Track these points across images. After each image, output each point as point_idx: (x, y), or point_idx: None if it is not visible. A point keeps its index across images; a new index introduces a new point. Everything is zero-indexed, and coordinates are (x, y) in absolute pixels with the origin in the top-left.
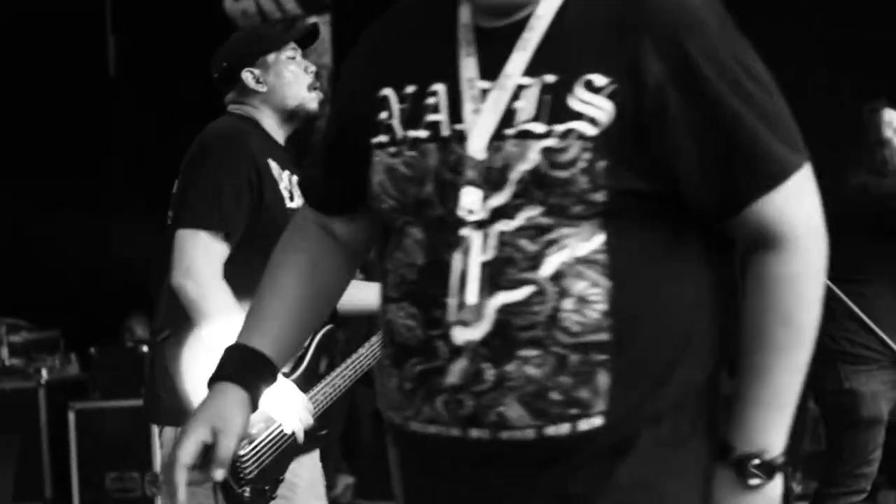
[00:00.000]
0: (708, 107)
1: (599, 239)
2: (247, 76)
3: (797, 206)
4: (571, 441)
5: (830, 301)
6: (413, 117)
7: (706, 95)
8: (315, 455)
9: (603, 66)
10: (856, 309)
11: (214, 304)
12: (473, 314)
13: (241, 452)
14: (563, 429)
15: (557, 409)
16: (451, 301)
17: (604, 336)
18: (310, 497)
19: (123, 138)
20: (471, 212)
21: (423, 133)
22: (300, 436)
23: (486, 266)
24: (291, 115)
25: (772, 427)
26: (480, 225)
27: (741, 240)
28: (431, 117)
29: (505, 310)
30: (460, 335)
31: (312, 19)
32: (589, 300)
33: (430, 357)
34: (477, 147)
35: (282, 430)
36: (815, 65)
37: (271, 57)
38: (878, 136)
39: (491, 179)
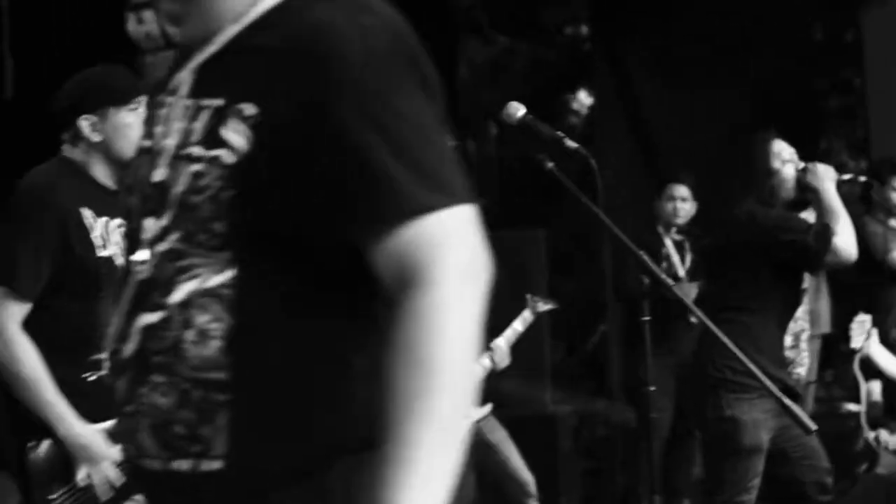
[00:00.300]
0: (339, 144)
1: (229, 274)
2: (83, 123)
3: (431, 245)
4: (194, 479)
5: (708, 332)
6: (146, 129)
7: (340, 133)
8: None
9: (256, 95)
10: (724, 338)
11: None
12: (123, 332)
13: (51, 497)
14: (185, 465)
15: (181, 443)
16: (117, 318)
17: (221, 375)
18: None
19: (20, 161)
20: (145, 230)
21: (145, 143)
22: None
23: (139, 285)
24: (126, 166)
25: (405, 489)
26: (151, 244)
27: (383, 285)
28: (153, 130)
29: (144, 331)
30: (124, 351)
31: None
32: (209, 335)
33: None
34: (159, 165)
35: None
36: (708, 93)
37: (111, 110)
38: (767, 166)
39: (161, 199)
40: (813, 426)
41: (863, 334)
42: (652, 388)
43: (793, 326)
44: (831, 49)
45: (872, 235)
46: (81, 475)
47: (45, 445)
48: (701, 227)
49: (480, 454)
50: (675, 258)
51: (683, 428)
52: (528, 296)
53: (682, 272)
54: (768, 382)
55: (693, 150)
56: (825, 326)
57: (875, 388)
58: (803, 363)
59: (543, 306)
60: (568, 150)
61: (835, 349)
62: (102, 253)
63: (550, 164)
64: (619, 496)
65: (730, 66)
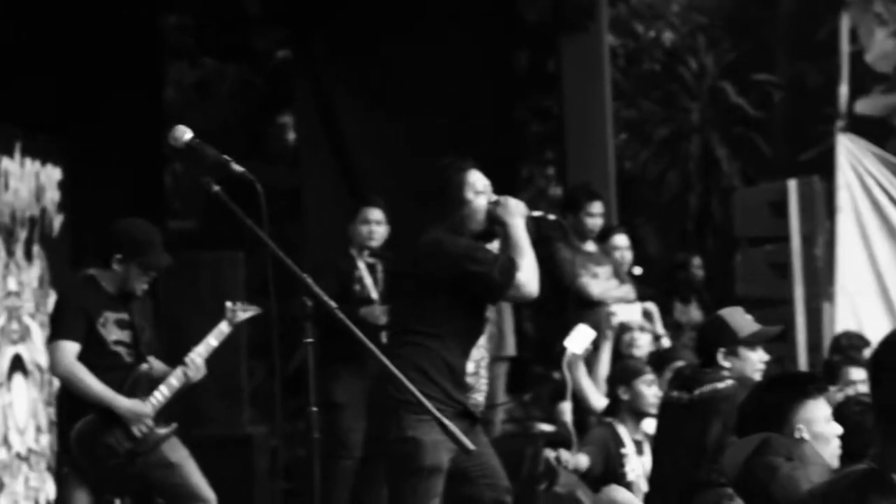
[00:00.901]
0: None
1: None
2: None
3: None
4: None
5: (397, 351)
6: None
7: None
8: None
9: None
10: (386, 360)
11: None
12: None
13: None
14: None
15: None
16: None
17: None
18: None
19: None
20: None
21: None
22: None
23: None
24: None
25: None
26: None
27: None
28: None
29: None
30: None
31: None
32: None
33: None
34: None
35: None
36: (409, 118)
37: None
38: (461, 196)
39: None
40: (471, 446)
41: (583, 342)
42: (314, 409)
43: (475, 353)
44: (533, 77)
45: (562, 262)
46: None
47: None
48: (393, 251)
49: (160, 473)
50: (368, 280)
51: (374, 448)
52: (228, 304)
53: (374, 294)
54: (428, 404)
55: (392, 174)
56: (510, 349)
57: (565, 408)
58: (482, 389)
59: (243, 314)
60: (234, 174)
61: (529, 372)
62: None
63: (216, 188)
64: None
65: (431, 92)
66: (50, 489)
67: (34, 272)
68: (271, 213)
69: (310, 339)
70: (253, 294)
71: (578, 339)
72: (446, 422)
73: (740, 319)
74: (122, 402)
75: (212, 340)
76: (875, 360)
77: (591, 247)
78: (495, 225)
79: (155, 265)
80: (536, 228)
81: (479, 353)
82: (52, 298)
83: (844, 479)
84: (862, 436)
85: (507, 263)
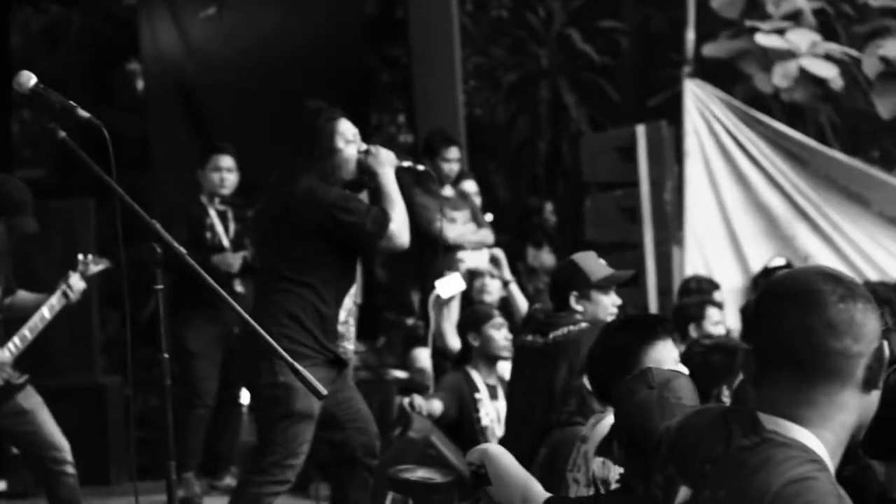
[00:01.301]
0: None
1: None
2: None
3: None
4: None
5: (269, 297)
6: None
7: None
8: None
9: None
10: (238, 308)
11: None
12: None
13: None
14: None
15: None
16: None
17: None
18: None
19: None
20: None
21: None
22: None
23: None
24: None
25: None
26: None
27: None
28: None
29: None
30: None
31: None
32: None
33: None
34: None
35: None
36: (257, 65)
37: None
38: (331, 145)
39: None
40: (323, 391)
41: (453, 289)
42: (166, 356)
43: (346, 302)
44: (382, 25)
45: (420, 207)
46: None
47: None
48: (245, 197)
49: (13, 421)
50: (220, 228)
51: (228, 396)
52: (80, 256)
53: (226, 242)
54: (280, 350)
55: (243, 121)
56: (358, 296)
57: (423, 354)
58: (351, 337)
59: (94, 267)
60: (80, 120)
61: (383, 319)
62: None
63: (63, 134)
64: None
65: (280, 38)
66: None
67: None
68: (120, 161)
69: (160, 286)
70: (105, 241)
71: (449, 285)
72: (298, 367)
73: (593, 263)
74: None
75: (54, 301)
76: (754, 307)
77: (448, 191)
78: (365, 175)
79: (21, 229)
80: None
81: (350, 303)
82: None
83: (708, 413)
84: (706, 377)
85: (380, 214)
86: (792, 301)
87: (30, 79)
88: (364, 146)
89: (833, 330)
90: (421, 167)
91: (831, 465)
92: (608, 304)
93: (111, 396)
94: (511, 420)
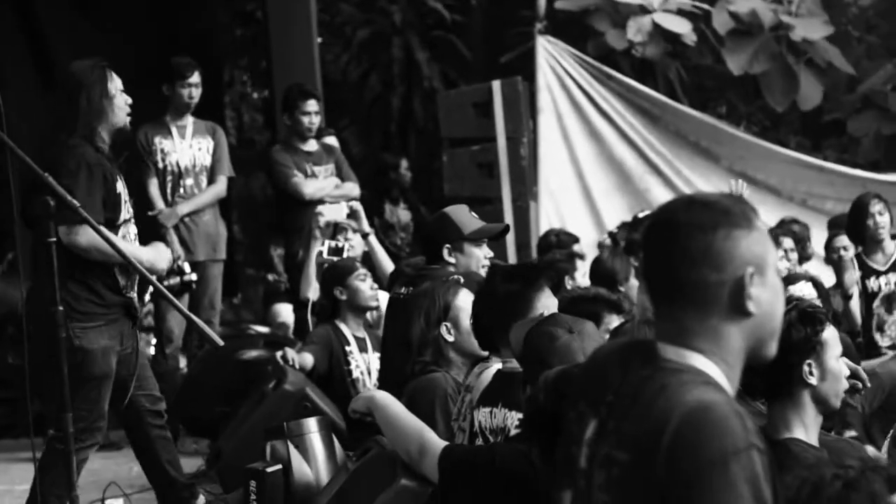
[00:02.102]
0: None
1: None
2: None
3: None
4: None
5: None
6: None
7: None
8: None
9: None
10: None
11: None
12: None
13: None
14: None
15: None
16: None
17: None
18: None
19: None
20: None
21: None
22: None
23: None
24: None
25: None
26: None
27: None
28: None
29: None
30: None
31: None
32: None
33: None
34: None
35: None
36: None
37: None
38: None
39: None
40: (220, 342)
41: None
42: (60, 308)
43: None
44: None
45: (275, 164)
46: None
47: None
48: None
49: None
50: None
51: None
52: None
53: None
54: (190, 316)
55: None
56: (222, 253)
57: (283, 309)
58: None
59: None
60: None
61: (241, 275)
62: None
63: None
64: (33, 424)
65: None
66: None
67: None
68: None
69: (53, 239)
70: None
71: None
72: (196, 319)
73: (464, 216)
74: None
75: None
76: (643, 239)
77: (311, 146)
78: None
79: None
80: None
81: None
82: None
83: (612, 347)
84: None
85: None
86: (656, 233)
87: None
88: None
89: (688, 259)
90: None
91: (729, 388)
92: (480, 257)
93: None
94: (382, 371)
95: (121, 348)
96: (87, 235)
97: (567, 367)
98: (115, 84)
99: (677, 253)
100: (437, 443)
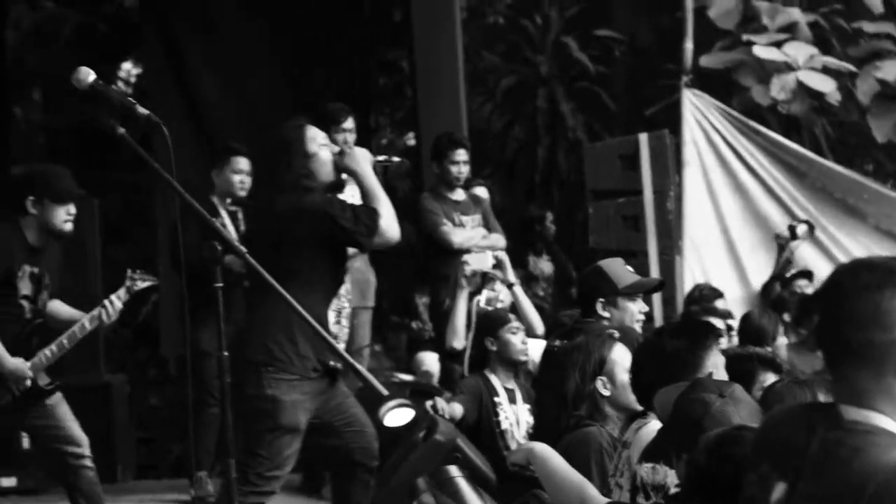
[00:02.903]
0: None
1: None
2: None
3: None
4: None
5: (257, 303)
6: None
7: None
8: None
9: None
10: (297, 306)
11: None
12: None
13: None
14: None
15: None
16: None
17: None
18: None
19: None
20: None
21: None
22: None
23: None
24: None
25: None
26: None
27: None
28: None
29: None
30: None
31: None
32: None
33: None
34: None
35: None
36: (254, 68)
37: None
38: (305, 149)
39: None
40: (384, 391)
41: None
42: (225, 354)
43: (336, 303)
44: (379, 28)
45: (424, 212)
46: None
47: None
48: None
49: (34, 415)
50: (231, 228)
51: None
52: (128, 271)
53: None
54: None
55: (244, 122)
56: (371, 300)
57: (427, 357)
58: (344, 338)
59: (142, 283)
60: (139, 117)
61: (386, 321)
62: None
63: (122, 130)
64: (173, 465)
65: (279, 42)
66: None
67: None
68: (121, 160)
69: (219, 284)
70: (109, 236)
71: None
72: (362, 370)
73: (620, 270)
74: (7, 362)
75: (116, 300)
76: (818, 300)
77: (459, 195)
78: (341, 174)
79: (68, 194)
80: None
81: (341, 303)
82: None
83: (789, 410)
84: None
85: (368, 213)
86: (826, 297)
87: (88, 74)
88: (336, 148)
89: (856, 321)
90: (396, 159)
91: None
92: (635, 311)
93: (116, 395)
94: (536, 422)
95: (313, 404)
96: None
97: (726, 430)
98: (317, 140)
99: (845, 315)
100: (599, 499)
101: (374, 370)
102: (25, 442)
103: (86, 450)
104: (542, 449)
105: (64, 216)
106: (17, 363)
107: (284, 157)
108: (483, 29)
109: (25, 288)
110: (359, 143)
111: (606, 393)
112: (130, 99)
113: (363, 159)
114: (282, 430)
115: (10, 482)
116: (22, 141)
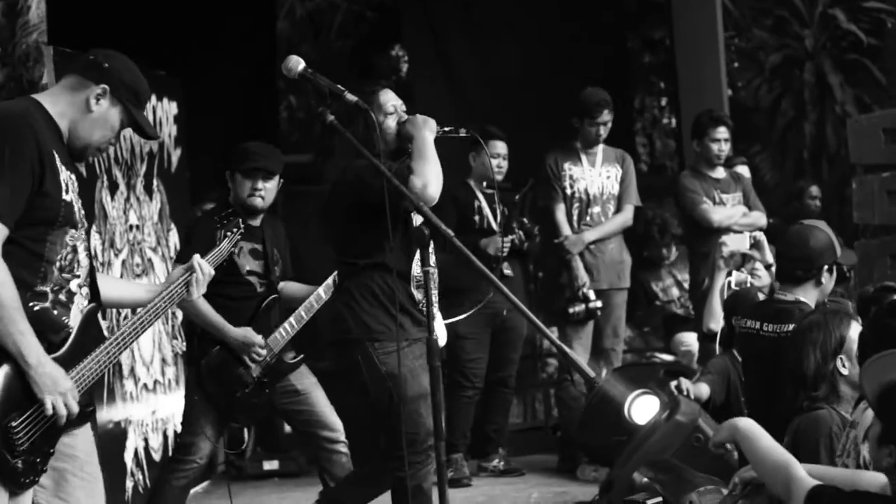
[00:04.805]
0: None
1: None
2: (90, 91)
3: None
4: None
5: (348, 283)
6: None
7: None
8: (87, 428)
9: None
10: (506, 291)
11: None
12: None
13: (13, 424)
14: None
15: None
16: None
17: None
18: (87, 467)
19: None
20: None
21: None
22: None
23: None
24: (78, 149)
25: None
26: None
27: None
28: None
29: None
30: None
31: None
32: None
33: None
34: None
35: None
36: (515, 49)
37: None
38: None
39: None
40: (592, 374)
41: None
42: (434, 337)
43: (415, 270)
44: (643, 8)
45: (684, 190)
46: (47, 404)
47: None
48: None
49: (287, 400)
50: (488, 211)
51: (497, 377)
52: None
53: (495, 225)
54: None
55: (503, 105)
56: (627, 280)
57: (687, 338)
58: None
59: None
60: (348, 104)
61: (642, 301)
62: (65, 197)
63: (331, 117)
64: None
65: (540, 24)
66: (177, 420)
67: (154, 206)
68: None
69: (430, 268)
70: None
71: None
72: (570, 352)
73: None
74: (231, 331)
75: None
76: None
77: (719, 173)
78: (405, 142)
79: (254, 169)
80: None
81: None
82: (173, 232)
83: None
84: None
85: (402, 169)
86: None
87: (298, 63)
88: (405, 116)
89: None
90: (463, 132)
91: None
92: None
93: None
94: (749, 406)
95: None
96: None
97: None
98: (386, 105)
99: None
100: (805, 481)
101: (640, 350)
102: (287, 427)
103: (340, 435)
104: (747, 425)
105: (248, 190)
106: (244, 330)
107: (354, 124)
108: (751, 5)
109: (248, 264)
110: (622, 124)
111: (845, 372)
112: (339, 87)
113: (425, 126)
114: (412, 399)
115: (272, 465)
116: (300, 129)
